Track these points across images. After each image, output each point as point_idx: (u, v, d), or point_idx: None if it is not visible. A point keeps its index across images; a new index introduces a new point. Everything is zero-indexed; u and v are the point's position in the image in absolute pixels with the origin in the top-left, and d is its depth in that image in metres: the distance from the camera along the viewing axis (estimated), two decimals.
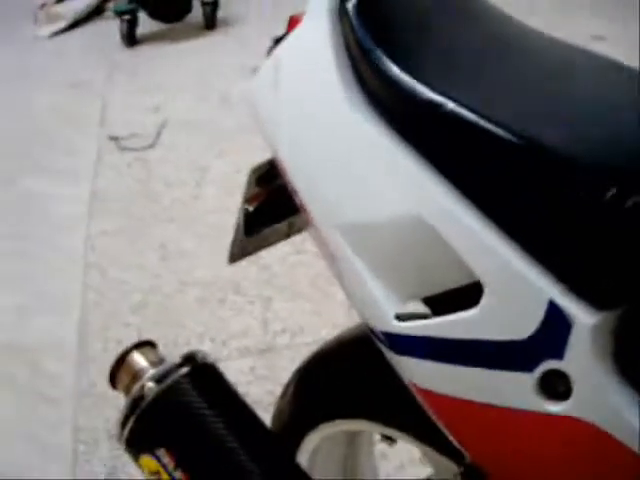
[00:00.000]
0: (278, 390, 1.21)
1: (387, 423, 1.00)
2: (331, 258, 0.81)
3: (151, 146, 3.23)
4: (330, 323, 2.14)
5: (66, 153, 3.28)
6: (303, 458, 1.16)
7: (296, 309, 2.28)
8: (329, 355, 1.10)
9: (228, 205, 2.61)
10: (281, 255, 2.43)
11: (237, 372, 2.05)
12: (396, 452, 1.72)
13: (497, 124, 0.67)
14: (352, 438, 1.23)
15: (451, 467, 0.94)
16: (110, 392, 0.95)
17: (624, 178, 0.62)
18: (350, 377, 1.03)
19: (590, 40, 3.45)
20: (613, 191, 0.61)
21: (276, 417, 1.20)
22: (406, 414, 0.91)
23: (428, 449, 0.95)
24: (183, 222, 2.74)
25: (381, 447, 1.59)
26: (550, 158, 0.65)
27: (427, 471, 1.19)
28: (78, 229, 2.79)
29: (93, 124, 3.47)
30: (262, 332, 2.22)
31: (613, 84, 0.77)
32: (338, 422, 1.08)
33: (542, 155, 0.65)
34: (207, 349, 2.12)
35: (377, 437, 1.23)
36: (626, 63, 0.78)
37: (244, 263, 2.43)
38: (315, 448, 1.16)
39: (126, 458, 0.92)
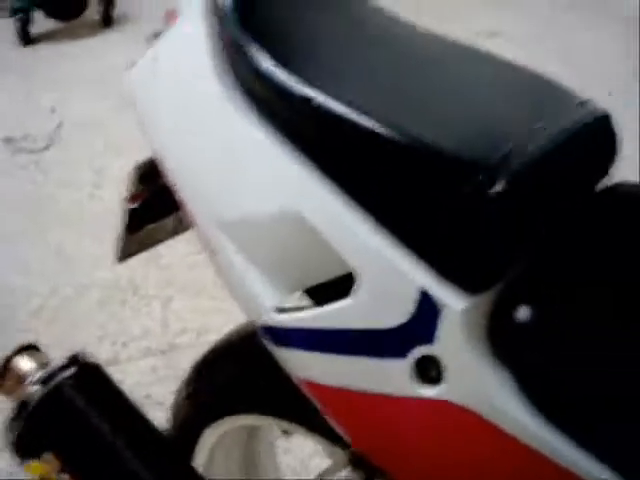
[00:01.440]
0: None
1: (277, 415, 1.00)
2: (212, 254, 0.82)
3: (47, 147, 3.17)
4: (233, 321, 2.13)
5: None
6: (201, 457, 1.16)
7: (198, 308, 2.26)
8: (221, 352, 1.10)
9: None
10: (182, 255, 2.41)
11: (139, 373, 2.03)
12: (299, 446, 1.74)
13: (367, 116, 0.68)
14: (251, 434, 1.23)
15: (343, 455, 0.95)
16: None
17: (487, 168, 0.64)
18: (241, 372, 1.04)
19: (484, 36, 3.53)
20: (476, 179, 0.63)
21: (173, 414, 1.19)
22: (294, 406, 0.91)
23: (318, 438, 0.96)
24: (81, 224, 2.69)
25: (284, 442, 1.60)
26: (416, 148, 0.66)
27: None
28: None
29: None
30: (163, 332, 2.20)
31: (486, 76, 0.79)
32: (231, 417, 1.08)
33: (408, 146, 0.66)
34: (107, 351, 2.09)
35: (278, 433, 1.24)
36: (518, 58, 0.80)
37: (143, 264, 2.41)
38: (213, 446, 1.16)
39: None
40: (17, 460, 0.89)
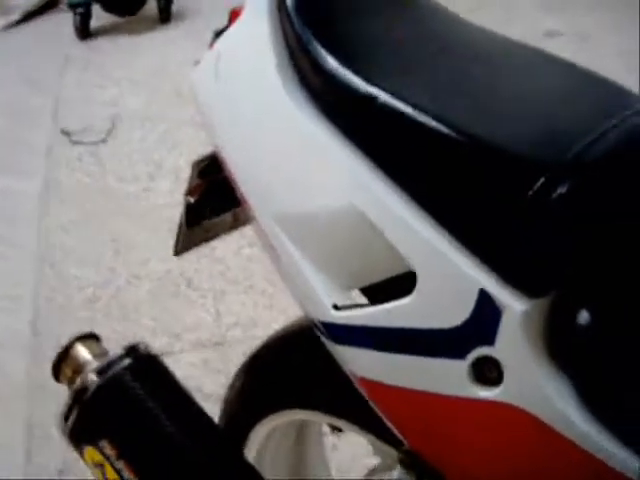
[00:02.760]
0: None
1: (330, 412, 1.00)
2: (271, 249, 0.82)
3: (104, 140, 3.21)
4: (283, 316, 2.15)
5: (18, 147, 3.25)
6: (252, 451, 1.17)
7: (249, 302, 2.28)
8: (275, 347, 1.11)
9: (181, 199, 2.60)
10: (234, 248, 2.43)
11: (190, 365, 2.05)
12: (348, 444, 1.74)
13: (430, 116, 0.68)
14: (300, 430, 1.24)
15: (394, 454, 0.95)
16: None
17: (551, 170, 0.63)
18: (295, 368, 1.04)
19: (543, 37, 3.49)
20: (541, 182, 0.63)
21: (225, 409, 1.20)
22: (348, 403, 0.92)
23: (370, 436, 0.96)
24: (136, 216, 2.73)
25: (332, 439, 1.60)
26: (480, 150, 0.66)
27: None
28: (30, 224, 2.76)
29: (45, 118, 3.44)
30: (215, 325, 2.22)
31: (548, 78, 0.79)
32: (284, 412, 1.09)
33: (472, 147, 0.66)
34: (160, 343, 2.12)
35: (327, 429, 1.25)
36: (576, 57, 0.79)
37: (196, 257, 2.43)
38: (263, 441, 1.17)
39: None
40: (72, 447, 0.91)
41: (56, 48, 4.13)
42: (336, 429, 1.10)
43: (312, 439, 1.27)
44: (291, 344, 1.06)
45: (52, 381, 2.06)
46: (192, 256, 2.33)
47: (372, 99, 0.71)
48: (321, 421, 1.09)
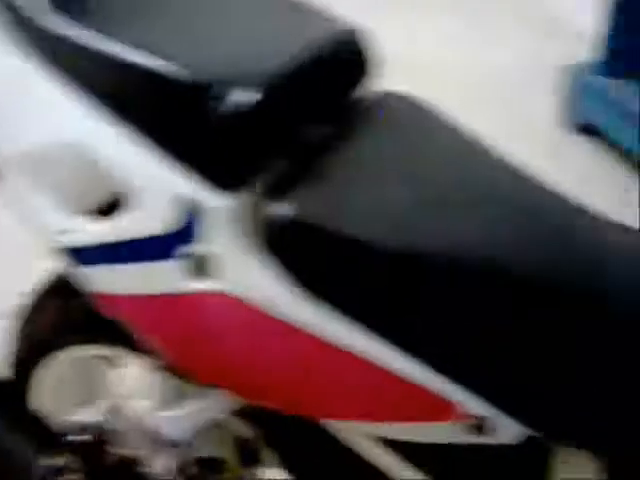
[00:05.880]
0: None
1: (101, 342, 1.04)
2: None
3: None
4: None
5: None
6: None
7: None
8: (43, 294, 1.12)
9: None
10: None
11: None
12: None
13: (136, 51, 0.74)
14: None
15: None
16: None
17: (220, 81, 0.72)
18: (60, 309, 1.07)
19: None
20: (212, 93, 0.71)
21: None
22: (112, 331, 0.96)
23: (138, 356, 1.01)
24: None
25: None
26: (165, 76, 0.72)
27: None
28: None
29: None
30: None
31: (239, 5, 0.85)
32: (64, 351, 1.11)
33: (158, 73, 0.73)
34: None
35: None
36: None
37: None
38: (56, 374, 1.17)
39: None
40: None
41: None
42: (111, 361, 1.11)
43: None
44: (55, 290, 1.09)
45: None
46: None
47: (68, 38, 0.75)
48: (96, 353, 1.12)
